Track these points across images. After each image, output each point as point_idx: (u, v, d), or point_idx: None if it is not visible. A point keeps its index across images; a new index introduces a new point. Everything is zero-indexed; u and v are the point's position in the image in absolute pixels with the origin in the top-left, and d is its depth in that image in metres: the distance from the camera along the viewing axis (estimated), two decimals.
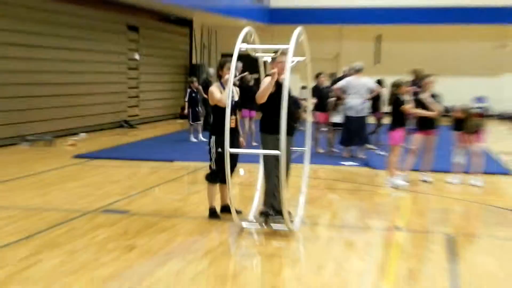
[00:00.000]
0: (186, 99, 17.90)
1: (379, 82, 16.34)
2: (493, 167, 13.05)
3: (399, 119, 11.05)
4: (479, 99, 27.18)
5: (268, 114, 8.10)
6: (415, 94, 11.41)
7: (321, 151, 15.14)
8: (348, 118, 14.41)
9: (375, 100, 15.59)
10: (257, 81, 9.23)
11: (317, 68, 16.61)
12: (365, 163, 13.71)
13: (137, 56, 22.44)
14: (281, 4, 28.17)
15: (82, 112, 18.98)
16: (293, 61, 8.06)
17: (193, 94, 17.56)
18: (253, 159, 9.58)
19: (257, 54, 8.71)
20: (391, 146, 11.21)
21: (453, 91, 17.37)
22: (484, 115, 13.08)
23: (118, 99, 21.47)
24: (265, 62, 8.78)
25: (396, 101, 11.07)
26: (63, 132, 17.54)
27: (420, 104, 11.22)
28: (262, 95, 8.07)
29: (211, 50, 29.12)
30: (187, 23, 26.33)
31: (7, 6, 15.71)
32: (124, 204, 9.54)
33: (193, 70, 24.70)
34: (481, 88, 27.17)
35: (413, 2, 26.66)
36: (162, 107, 24.51)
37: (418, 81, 12.31)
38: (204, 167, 9.02)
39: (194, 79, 18.55)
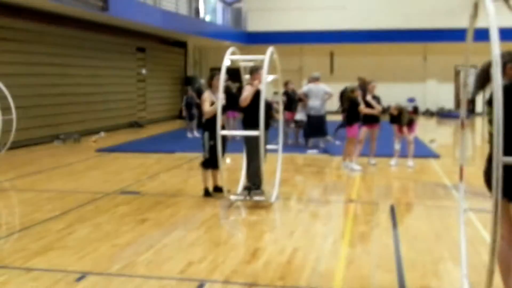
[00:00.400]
0: (183, 103, 17.77)
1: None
2: (424, 152, 13.08)
3: (354, 116, 11.02)
4: (410, 100, 27.22)
5: (249, 113, 8.08)
6: (362, 96, 11.36)
7: (290, 142, 15.07)
8: (310, 116, 14.34)
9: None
10: (239, 89, 9.18)
11: (286, 77, 16.56)
12: (325, 151, 13.66)
13: (144, 71, 22.16)
14: (256, 29, 27.96)
15: (101, 115, 18.72)
16: (268, 77, 8.11)
17: (188, 100, 17.42)
18: (237, 149, 9.52)
19: (240, 63, 8.73)
20: (348, 138, 11.14)
21: (390, 94, 17.37)
22: (416, 112, 13.11)
23: (130, 105, 21.19)
24: (244, 68, 8.77)
25: (352, 102, 11.03)
26: (88, 132, 17.27)
27: (365, 104, 11.20)
28: (245, 99, 8.08)
29: (201, 65, 28.88)
30: (182, 44, 26.02)
31: (43, 35, 15.49)
32: (137, 186, 9.43)
33: (188, 81, 24.46)
34: (411, 91, 27.24)
35: (358, 26, 26.58)
36: (164, 110, 24.24)
37: (363, 86, 12.23)
38: (198, 156, 8.92)
39: (189, 87, 18.42)
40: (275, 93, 14.21)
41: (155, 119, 23.03)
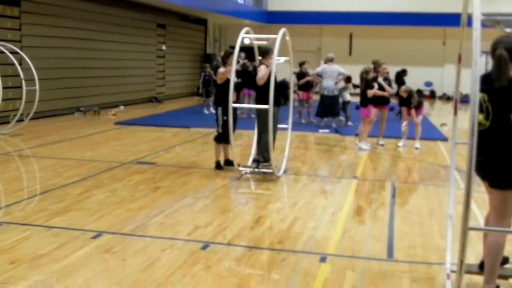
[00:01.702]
0: (201, 80, 18.14)
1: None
2: (433, 135, 13.38)
3: (368, 97, 11.30)
4: (428, 84, 27.49)
5: (262, 91, 8.48)
6: (374, 78, 11.66)
7: (303, 121, 15.44)
8: (322, 96, 14.67)
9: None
10: (255, 67, 9.55)
11: (304, 57, 16.89)
12: (336, 131, 14.02)
13: (164, 47, 22.54)
14: (276, 8, 28.18)
15: (121, 89, 19.18)
16: (279, 59, 8.51)
17: (206, 77, 17.76)
18: (249, 127, 9.93)
19: (253, 43, 9.09)
20: (362, 119, 11.49)
21: (408, 77, 17.57)
22: (429, 96, 13.37)
23: (149, 80, 21.62)
24: (258, 48, 9.14)
25: (365, 83, 11.34)
26: (107, 105, 17.73)
27: (378, 85, 11.50)
28: (262, 79, 8.51)
29: (221, 43, 29.20)
30: (202, 22, 26.34)
31: (67, 9, 15.95)
32: (152, 158, 9.89)
33: (207, 58, 24.77)
34: (429, 75, 27.43)
35: (378, 8, 26.69)
36: (183, 87, 24.62)
37: (376, 68, 12.54)
38: (213, 132, 9.34)
39: (207, 65, 18.74)
40: (295, 73, 14.65)
41: (174, 95, 23.45)
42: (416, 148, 11.50)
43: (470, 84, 3.36)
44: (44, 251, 5.04)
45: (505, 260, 4.58)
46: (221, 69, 8.71)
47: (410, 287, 4.52)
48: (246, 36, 8.64)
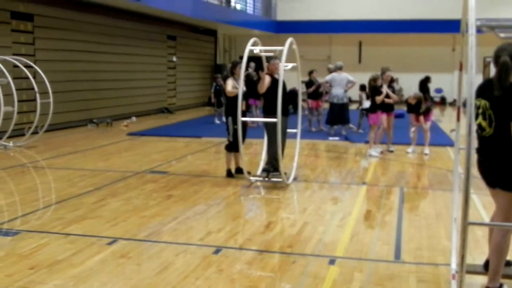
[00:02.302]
0: (212, 90, 18.35)
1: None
2: (443, 140, 13.48)
3: (376, 104, 11.44)
4: (438, 90, 27.57)
5: (269, 101, 8.66)
6: (381, 86, 11.79)
7: (313, 129, 15.60)
8: (332, 104, 14.82)
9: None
10: (259, 77, 9.73)
11: (314, 66, 17.03)
12: (346, 138, 14.16)
13: (174, 59, 22.83)
14: (285, 18, 28.42)
15: (133, 101, 19.46)
16: (287, 66, 8.67)
17: (217, 87, 17.91)
18: (259, 135, 10.11)
19: (260, 54, 9.27)
20: (371, 125, 11.64)
21: (417, 84, 17.70)
22: (440, 102, 13.44)
23: (160, 91, 21.90)
24: (266, 58, 9.32)
25: (373, 90, 11.51)
26: (120, 116, 18.04)
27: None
28: (261, 88, 8.69)
29: (231, 53, 29.47)
30: (212, 33, 26.63)
31: (79, 23, 16.25)
32: (165, 167, 10.09)
33: (217, 69, 25.00)
34: (439, 81, 27.45)
35: (387, 16, 26.88)
36: (194, 97, 24.87)
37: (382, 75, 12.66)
38: (224, 141, 9.52)
39: (218, 75, 18.88)
40: (304, 82, 14.87)
41: (185, 105, 23.71)
42: (425, 154, 11.61)
43: (465, 88, 3.52)
44: (62, 257, 5.23)
45: (508, 263, 4.70)
46: (228, 88, 8.87)
47: (417, 287, 4.66)
48: (253, 48, 8.83)
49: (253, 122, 15.39)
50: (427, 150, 11.70)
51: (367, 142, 13.17)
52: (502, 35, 3.93)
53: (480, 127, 4.20)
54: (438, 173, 9.90)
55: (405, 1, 27.04)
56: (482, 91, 4.24)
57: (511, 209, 4.22)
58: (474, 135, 3.65)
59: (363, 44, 29.15)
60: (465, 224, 3.55)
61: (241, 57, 8.90)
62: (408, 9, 26.70)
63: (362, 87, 15.24)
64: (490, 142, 4.15)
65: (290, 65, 8.97)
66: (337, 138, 14.16)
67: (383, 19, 26.99)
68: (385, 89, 11.58)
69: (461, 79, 5.21)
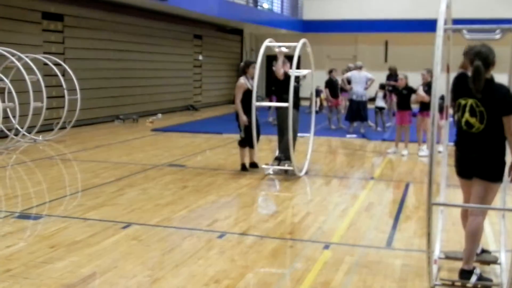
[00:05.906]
0: None
1: None
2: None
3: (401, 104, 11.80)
4: None
5: (282, 89, 9.17)
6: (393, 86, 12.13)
7: (333, 127, 15.98)
8: (351, 101, 15.21)
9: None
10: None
11: (340, 65, 17.37)
12: (363, 135, 14.51)
13: (200, 57, 23.34)
14: (312, 17, 28.71)
15: (159, 98, 20.05)
16: (303, 73, 9.19)
17: None
18: (272, 132, 10.55)
19: (276, 49, 9.68)
20: (396, 125, 11.96)
21: (443, 83, 17.90)
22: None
23: (186, 89, 22.43)
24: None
25: (410, 90, 11.71)
26: (146, 113, 18.60)
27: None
28: (278, 71, 9.32)
29: (257, 52, 29.72)
30: (239, 32, 27.04)
31: (107, 23, 16.90)
32: (183, 161, 10.59)
33: None
34: None
35: (413, 15, 27.01)
36: (219, 95, 25.37)
37: (394, 75, 12.99)
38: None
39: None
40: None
41: (210, 103, 24.24)
42: (439, 152, 11.88)
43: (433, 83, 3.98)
44: (79, 238, 5.78)
45: (486, 251, 5.11)
46: (239, 97, 9.32)
47: (400, 270, 5.07)
48: (269, 45, 9.33)
49: (274, 119, 15.89)
50: (441, 147, 11.93)
51: (384, 140, 13.57)
52: (467, 36, 4.37)
53: (467, 124, 4.59)
54: (448, 169, 10.17)
55: (431, 0, 27.15)
56: (465, 91, 4.66)
57: (486, 197, 4.62)
58: (438, 125, 4.10)
59: (389, 43, 29.31)
60: (430, 204, 3.99)
61: (269, 56, 9.36)
62: (434, 8, 26.62)
63: (382, 86, 15.57)
64: (479, 136, 4.55)
65: (305, 72, 9.46)
66: (354, 135, 14.52)
67: (409, 18, 27.08)
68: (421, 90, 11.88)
69: (449, 80, 5.61)
